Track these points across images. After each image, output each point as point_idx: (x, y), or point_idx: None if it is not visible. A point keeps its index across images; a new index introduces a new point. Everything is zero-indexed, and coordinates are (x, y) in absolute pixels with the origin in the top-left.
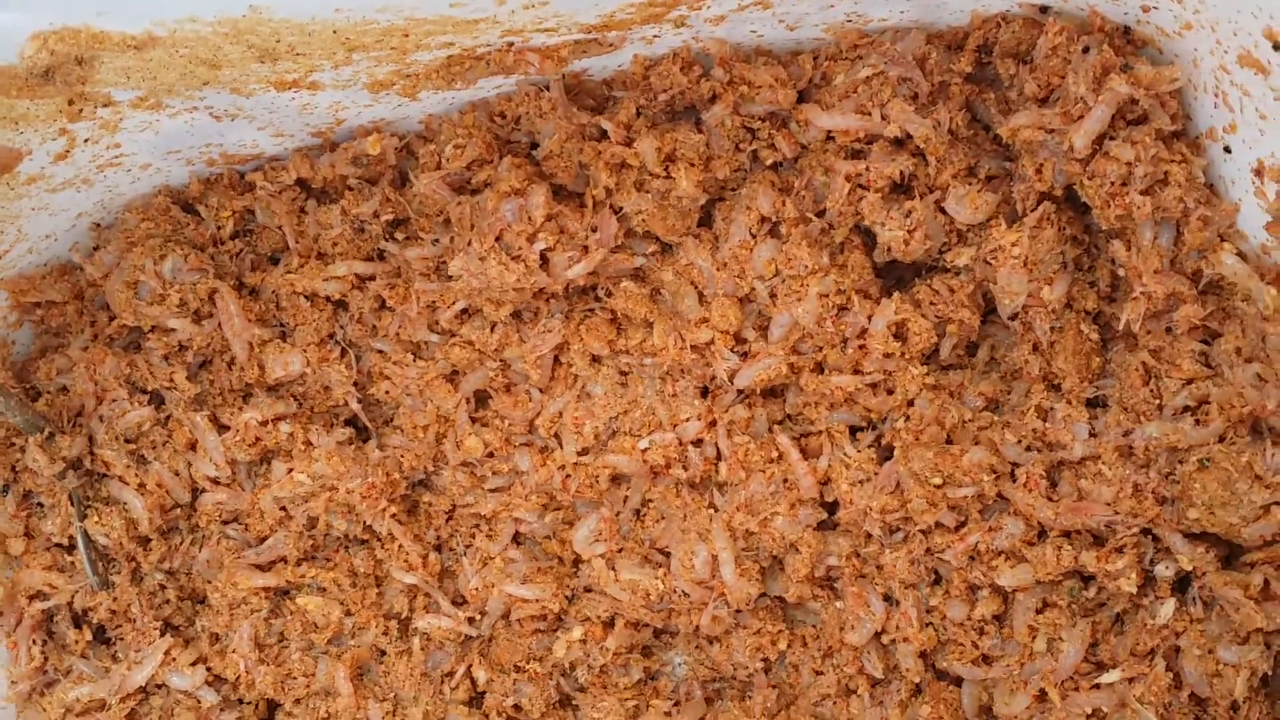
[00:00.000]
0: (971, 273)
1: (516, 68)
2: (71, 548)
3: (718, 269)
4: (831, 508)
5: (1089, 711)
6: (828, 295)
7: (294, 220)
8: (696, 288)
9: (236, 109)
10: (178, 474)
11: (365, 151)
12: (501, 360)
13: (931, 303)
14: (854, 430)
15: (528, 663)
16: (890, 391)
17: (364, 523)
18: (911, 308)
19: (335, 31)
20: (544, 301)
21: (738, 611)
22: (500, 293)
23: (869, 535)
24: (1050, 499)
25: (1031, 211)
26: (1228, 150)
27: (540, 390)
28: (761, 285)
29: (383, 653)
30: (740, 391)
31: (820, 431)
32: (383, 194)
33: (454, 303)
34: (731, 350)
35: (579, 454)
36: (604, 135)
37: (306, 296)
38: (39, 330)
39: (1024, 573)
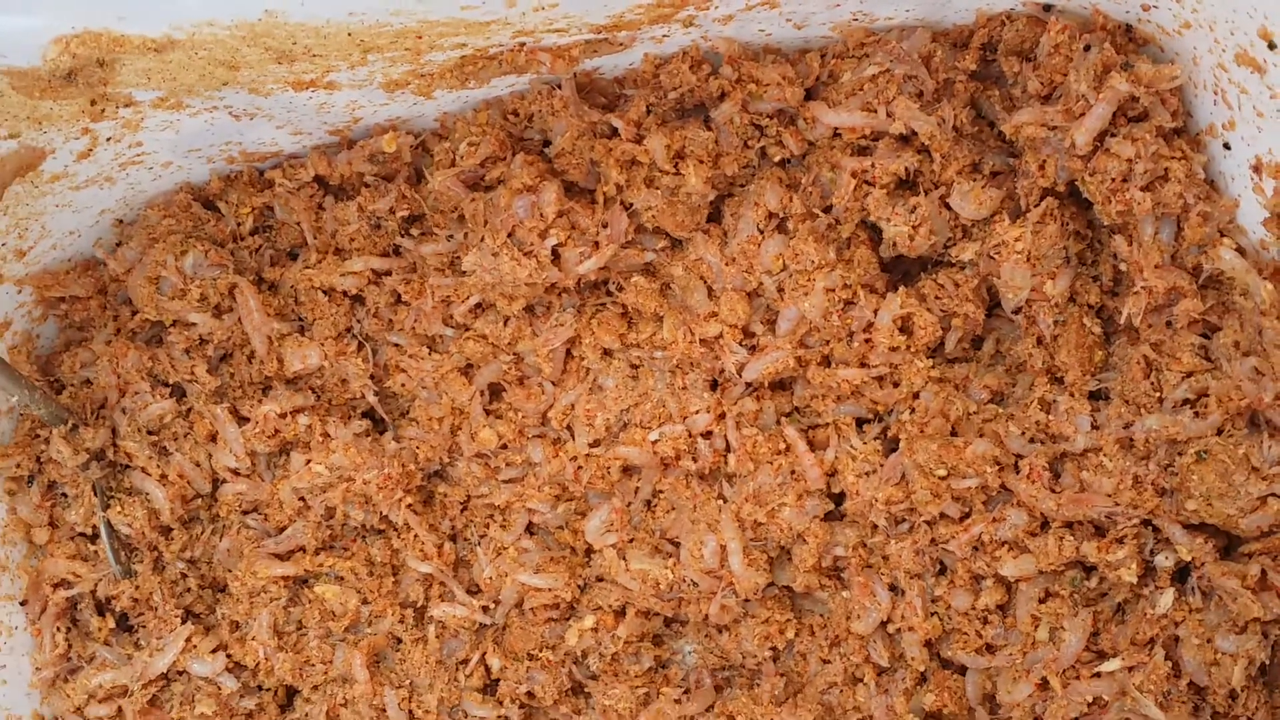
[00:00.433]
0: (976, 267)
1: (529, 67)
2: (95, 537)
3: (726, 264)
4: (838, 499)
5: (1090, 700)
6: (834, 289)
7: (312, 217)
8: (705, 282)
9: (255, 108)
10: (199, 465)
11: (381, 149)
12: (515, 354)
13: (937, 297)
14: (861, 423)
15: (540, 651)
16: (896, 384)
17: (380, 513)
18: (917, 302)
19: (350, 34)
20: (556, 296)
21: (746, 601)
22: (513, 287)
23: (875, 526)
24: (1053, 490)
25: (1035, 207)
26: (1227, 147)
27: (553, 383)
28: (769, 280)
29: (399, 640)
30: (749, 384)
31: (827, 424)
32: (398, 191)
33: (468, 297)
34: (740, 344)
35: (591, 446)
36: (615, 133)
37: (324, 291)
38: (63, 325)
39: (1027, 563)
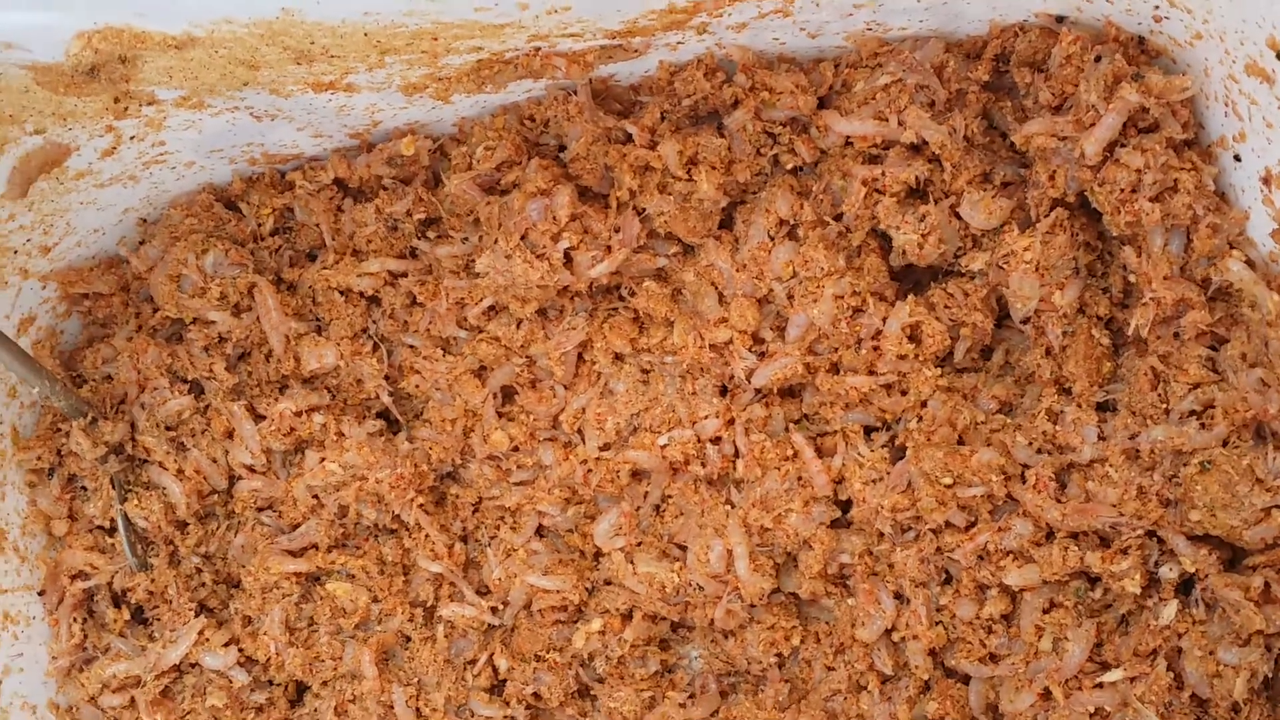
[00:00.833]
0: (985, 277)
1: (544, 72)
2: (112, 530)
3: (737, 270)
4: (845, 506)
5: (1092, 710)
6: (843, 297)
7: (331, 218)
8: (716, 288)
9: (276, 109)
10: (215, 461)
11: (400, 153)
12: (527, 356)
13: (946, 306)
14: (869, 431)
15: (548, 652)
16: (904, 393)
17: (393, 512)
18: (925, 310)
19: (366, 34)
20: (569, 300)
21: (751, 606)
22: (525, 290)
23: (881, 534)
24: (1058, 500)
25: (1044, 218)
26: (1238, 158)
27: (565, 386)
28: (779, 286)
29: (408, 639)
30: (758, 390)
31: (835, 431)
32: (416, 194)
33: (481, 299)
34: (749, 350)
35: (601, 449)
36: (629, 138)
37: (341, 292)
38: (86, 321)
39: (1031, 573)
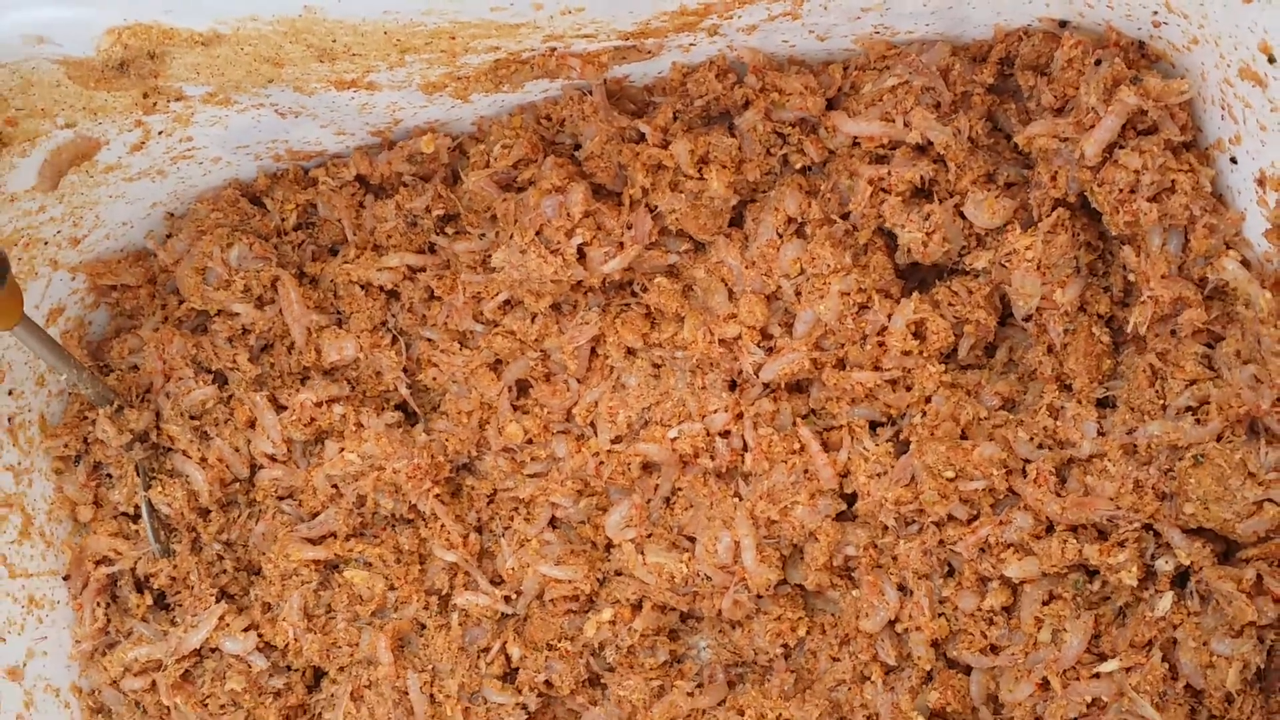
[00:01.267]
0: (989, 275)
1: (560, 72)
2: (136, 517)
3: (746, 267)
4: (850, 499)
5: (1089, 700)
6: (849, 293)
7: (353, 214)
8: (726, 284)
9: (300, 107)
10: (237, 450)
11: (420, 150)
12: (542, 350)
13: (950, 303)
14: (874, 425)
15: (559, 641)
16: (909, 388)
17: (409, 502)
18: (930, 308)
19: (386, 33)
20: (582, 295)
21: (758, 597)
22: (539, 285)
23: (885, 526)
24: (1058, 494)
25: (1046, 217)
26: (1234, 161)
27: (578, 380)
28: (787, 283)
29: (423, 626)
30: (766, 385)
31: (841, 426)
32: (435, 190)
33: (497, 294)
34: (757, 345)
35: (613, 442)
36: (642, 138)
37: (361, 286)
38: (114, 312)
39: (1031, 565)
